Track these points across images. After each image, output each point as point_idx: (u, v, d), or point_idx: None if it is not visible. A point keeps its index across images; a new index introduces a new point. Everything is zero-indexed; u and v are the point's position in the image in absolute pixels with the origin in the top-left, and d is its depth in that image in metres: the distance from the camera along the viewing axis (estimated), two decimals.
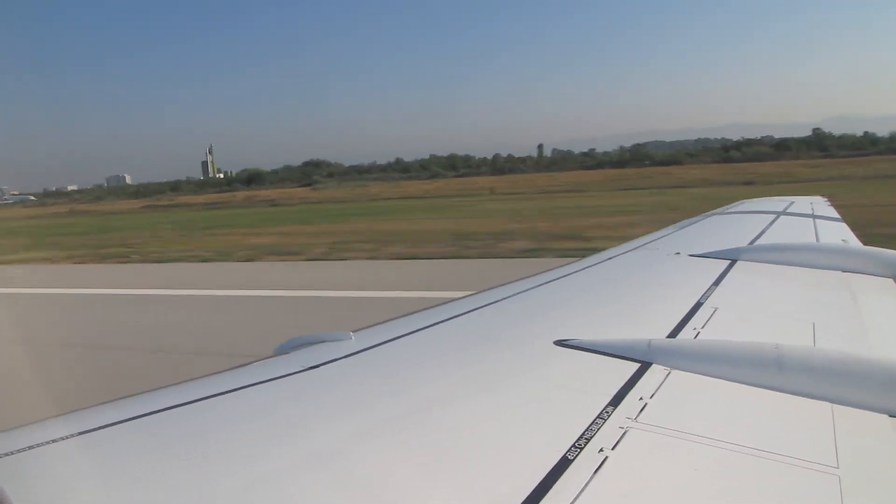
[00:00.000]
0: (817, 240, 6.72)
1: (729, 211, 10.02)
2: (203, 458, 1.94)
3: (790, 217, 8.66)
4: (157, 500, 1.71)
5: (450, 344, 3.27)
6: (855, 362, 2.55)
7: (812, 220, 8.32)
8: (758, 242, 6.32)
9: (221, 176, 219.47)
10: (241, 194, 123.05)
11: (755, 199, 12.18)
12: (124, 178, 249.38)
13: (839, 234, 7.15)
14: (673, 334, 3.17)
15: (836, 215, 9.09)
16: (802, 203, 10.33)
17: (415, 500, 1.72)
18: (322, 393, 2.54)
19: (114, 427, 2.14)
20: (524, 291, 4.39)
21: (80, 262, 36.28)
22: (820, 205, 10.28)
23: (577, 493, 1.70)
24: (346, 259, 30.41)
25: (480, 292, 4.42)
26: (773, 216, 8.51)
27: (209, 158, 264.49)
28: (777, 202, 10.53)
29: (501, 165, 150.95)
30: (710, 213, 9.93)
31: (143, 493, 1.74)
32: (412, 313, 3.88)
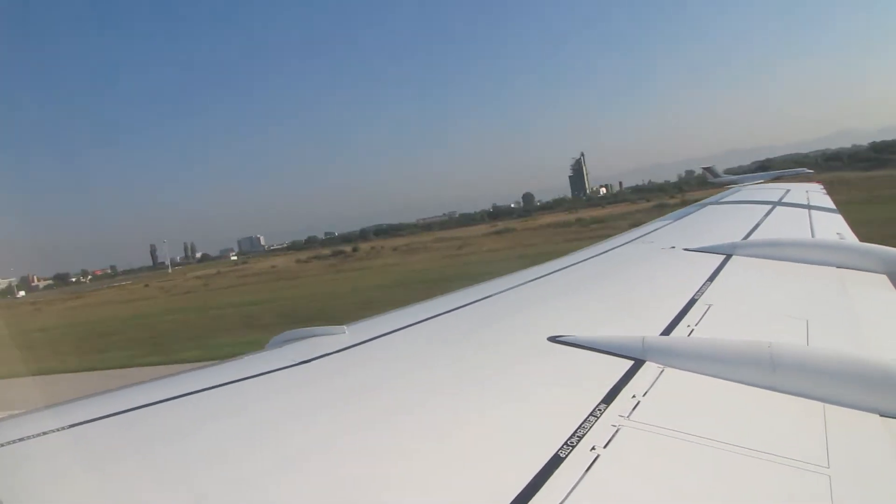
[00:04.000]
0: (812, 232, 6.69)
1: (725, 200, 9.89)
2: (193, 452, 1.93)
3: (785, 207, 8.56)
4: (147, 493, 1.71)
5: (443, 339, 3.26)
6: (846, 362, 2.56)
7: (807, 210, 8.24)
8: (753, 235, 6.31)
9: (604, 191, 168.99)
10: None
11: (752, 187, 12.07)
12: (259, 239, 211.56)
13: (834, 225, 7.12)
14: (667, 331, 3.17)
15: (832, 205, 8.98)
16: (798, 192, 10.16)
17: (406, 495, 1.72)
18: (313, 388, 2.53)
19: (104, 420, 2.14)
20: (518, 286, 4.38)
21: None
22: (816, 193, 10.11)
23: (567, 491, 1.70)
24: None
25: (475, 287, 4.40)
26: (769, 206, 8.44)
27: (584, 169, 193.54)
28: (773, 191, 10.39)
29: None
30: (705, 201, 9.82)
31: (134, 486, 1.74)
32: (406, 307, 3.86)
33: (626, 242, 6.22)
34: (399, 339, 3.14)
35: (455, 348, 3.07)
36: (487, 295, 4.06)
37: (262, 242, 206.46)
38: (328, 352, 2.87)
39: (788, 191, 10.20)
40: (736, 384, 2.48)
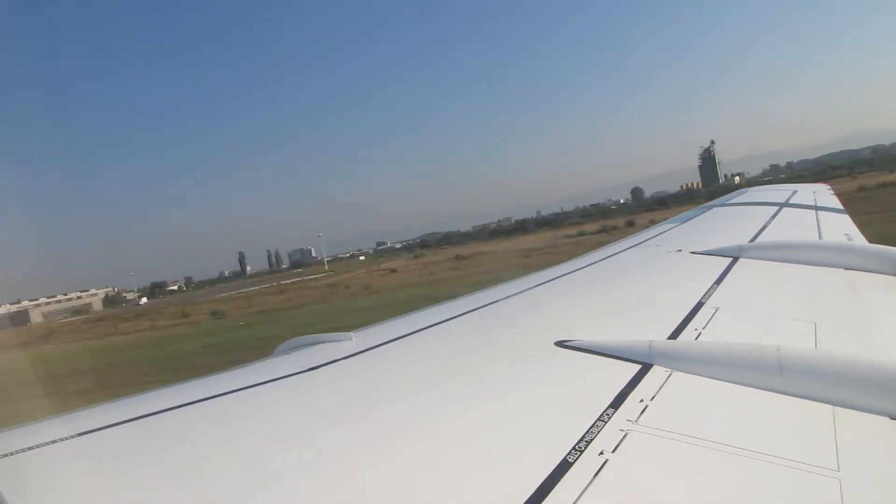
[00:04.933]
0: (820, 233, 6.63)
1: (731, 202, 9.78)
2: (203, 459, 1.95)
3: (792, 209, 8.45)
4: (159, 499, 1.72)
5: (450, 344, 3.27)
6: (855, 365, 2.54)
7: (815, 211, 8.15)
8: (760, 237, 6.27)
9: (738, 179, 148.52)
10: None
11: (758, 188, 11.83)
12: (310, 250, 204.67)
13: (842, 226, 7.05)
14: (674, 335, 3.16)
15: (839, 205, 8.86)
16: (805, 192, 10.01)
17: (415, 500, 1.73)
18: (322, 394, 2.55)
19: (114, 428, 2.16)
20: (524, 291, 4.39)
21: None
22: (822, 194, 9.96)
23: (576, 496, 1.71)
24: None
25: (481, 292, 4.41)
26: (776, 208, 8.34)
27: (715, 158, 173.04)
28: (779, 192, 10.25)
29: None
30: (711, 203, 9.71)
31: (144, 494, 1.76)
32: (413, 313, 3.89)
33: (633, 246, 6.20)
34: (406, 346, 3.16)
35: (462, 354, 3.08)
36: (494, 300, 4.07)
37: (314, 254, 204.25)
38: (336, 358, 2.89)
39: (795, 192, 10.05)
40: (744, 388, 2.47)
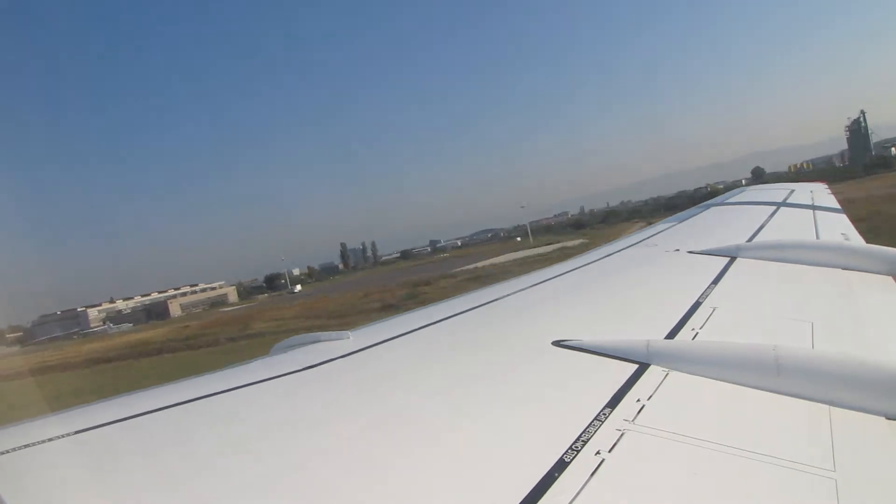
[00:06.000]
0: (817, 233, 6.57)
1: (729, 201, 9.71)
2: (199, 458, 1.96)
3: (790, 208, 8.34)
4: (153, 499, 1.74)
5: (447, 343, 3.30)
6: (852, 365, 2.55)
7: (812, 211, 8.03)
8: (758, 237, 6.24)
9: (894, 151, 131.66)
10: None
11: (756, 188, 11.75)
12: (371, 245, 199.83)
13: (839, 226, 6.96)
14: (672, 334, 3.17)
15: (837, 205, 8.73)
16: (802, 191, 9.87)
17: (412, 498, 1.74)
18: (319, 393, 2.57)
19: (110, 426, 2.18)
20: (522, 290, 4.42)
21: None
22: (820, 193, 9.81)
23: (573, 495, 1.72)
24: None
25: (478, 290, 4.47)
26: (774, 207, 8.24)
27: (864, 127, 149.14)
28: (777, 191, 10.12)
29: None
30: (709, 202, 9.69)
31: (140, 492, 1.77)
32: (410, 311, 3.95)
33: (630, 245, 6.23)
34: (403, 344, 3.18)
35: (459, 353, 3.10)
36: (492, 299, 4.11)
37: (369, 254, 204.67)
38: (333, 357, 2.92)
39: (793, 191, 9.97)
40: (741, 387, 2.48)
